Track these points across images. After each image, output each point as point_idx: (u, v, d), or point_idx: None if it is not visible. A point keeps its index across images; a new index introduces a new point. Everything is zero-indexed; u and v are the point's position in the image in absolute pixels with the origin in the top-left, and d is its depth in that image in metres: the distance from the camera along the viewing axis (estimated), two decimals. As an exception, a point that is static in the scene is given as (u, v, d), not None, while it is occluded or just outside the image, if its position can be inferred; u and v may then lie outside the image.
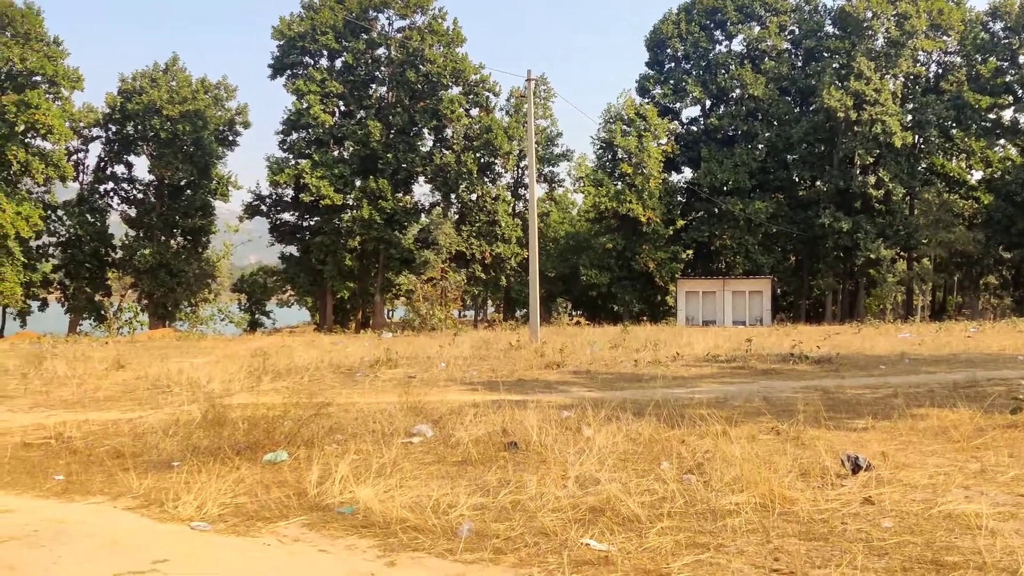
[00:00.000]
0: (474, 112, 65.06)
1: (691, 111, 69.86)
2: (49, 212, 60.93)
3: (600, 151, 64.82)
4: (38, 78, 57.09)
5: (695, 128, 68.24)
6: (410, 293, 53.88)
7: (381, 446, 10.69)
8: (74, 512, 8.34)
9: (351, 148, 63.41)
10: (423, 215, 66.83)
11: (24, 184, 58.34)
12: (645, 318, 57.34)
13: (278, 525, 7.61)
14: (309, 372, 21.92)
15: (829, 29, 65.25)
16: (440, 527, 7.26)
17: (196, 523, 7.70)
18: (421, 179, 65.76)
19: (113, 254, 64.34)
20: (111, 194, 65.92)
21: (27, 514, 8.24)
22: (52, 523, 7.86)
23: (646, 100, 66.00)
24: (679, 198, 66.61)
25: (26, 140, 56.75)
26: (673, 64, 67.92)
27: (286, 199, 65.18)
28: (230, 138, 66.86)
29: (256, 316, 67.61)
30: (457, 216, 64.34)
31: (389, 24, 64.97)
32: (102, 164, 65.33)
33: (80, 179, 64.40)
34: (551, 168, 69.86)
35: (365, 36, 62.99)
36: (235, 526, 7.63)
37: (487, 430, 11.43)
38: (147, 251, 61.72)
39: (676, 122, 67.80)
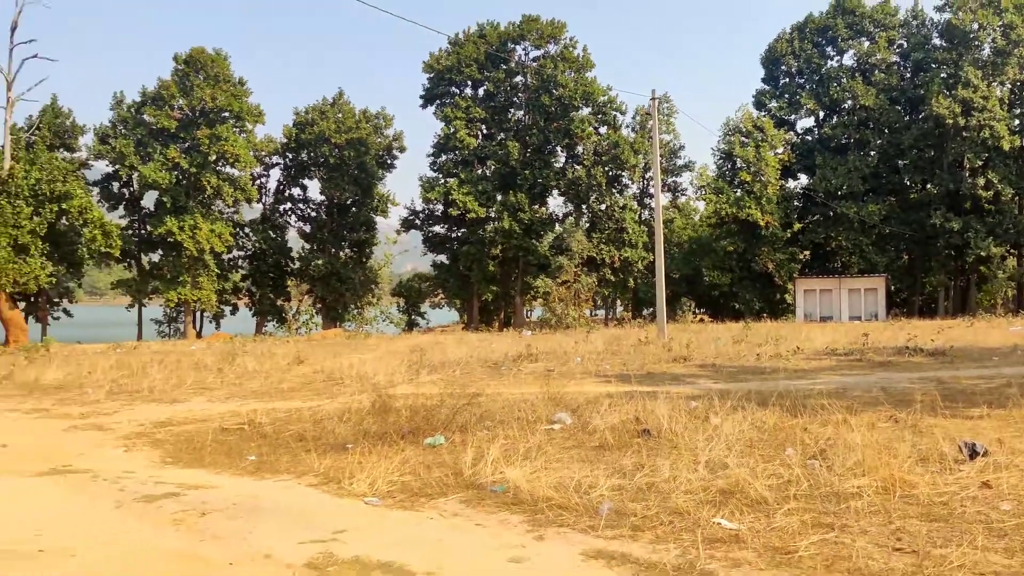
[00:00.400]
0: (603, 130, 64.69)
1: (805, 122, 67.52)
2: (237, 229, 63.70)
3: (720, 161, 63.51)
4: (226, 114, 59.62)
5: (809, 138, 65.91)
6: (546, 295, 54.00)
7: (526, 432, 10.75)
8: (266, 488, 8.69)
9: (493, 166, 63.99)
10: (557, 224, 66.89)
11: (216, 206, 61.09)
12: (765, 315, 55.78)
13: (439, 501, 7.75)
14: (460, 366, 22.22)
15: (936, 41, 61.97)
16: (582, 505, 7.25)
17: (368, 499, 7.91)
18: (555, 192, 65.74)
19: (292, 264, 66.75)
20: (289, 213, 68.46)
21: (227, 490, 8.62)
22: (248, 498, 8.20)
23: (763, 113, 64.23)
24: (795, 203, 64.53)
25: (217, 168, 59.41)
26: (787, 79, 65.87)
27: (437, 214, 66.22)
28: (388, 161, 68.39)
29: (412, 317, 68.89)
30: (588, 224, 64.03)
31: (525, 54, 65.34)
32: (281, 187, 67.91)
33: (263, 200, 67.06)
34: (674, 178, 68.95)
35: (504, 66, 63.48)
36: (402, 502, 7.81)
37: (621, 418, 11.34)
38: (320, 261, 63.80)
39: (791, 132, 65.65)
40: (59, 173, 45.22)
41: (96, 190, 59.11)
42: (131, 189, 60.77)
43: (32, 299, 53.57)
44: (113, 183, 60.42)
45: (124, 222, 60.18)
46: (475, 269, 63.08)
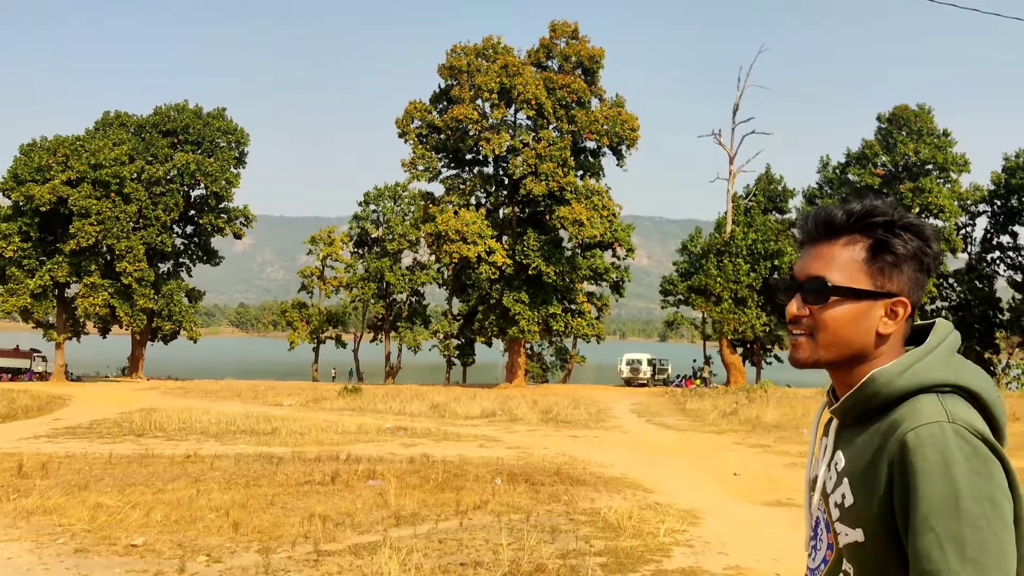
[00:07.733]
0: None
1: None
2: (941, 280, 57.85)
3: None
4: (930, 166, 54.99)
5: None
6: None
7: None
8: None
9: None
10: None
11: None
12: None
13: None
14: None
15: None
16: None
17: None
18: None
19: (1000, 316, 58.23)
20: (997, 262, 59.97)
21: None
22: None
23: None
24: None
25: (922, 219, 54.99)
26: None
27: None
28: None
29: None
30: None
31: None
32: (988, 235, 59.88)
33: (968, 250, 59.95)
34: None
35: None
36: None
37: None
38: (1036, 313, 54.36)
39: None
40: (771, 233, 46.70)
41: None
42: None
43: (748, 345, 55.69)
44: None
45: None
46: None
